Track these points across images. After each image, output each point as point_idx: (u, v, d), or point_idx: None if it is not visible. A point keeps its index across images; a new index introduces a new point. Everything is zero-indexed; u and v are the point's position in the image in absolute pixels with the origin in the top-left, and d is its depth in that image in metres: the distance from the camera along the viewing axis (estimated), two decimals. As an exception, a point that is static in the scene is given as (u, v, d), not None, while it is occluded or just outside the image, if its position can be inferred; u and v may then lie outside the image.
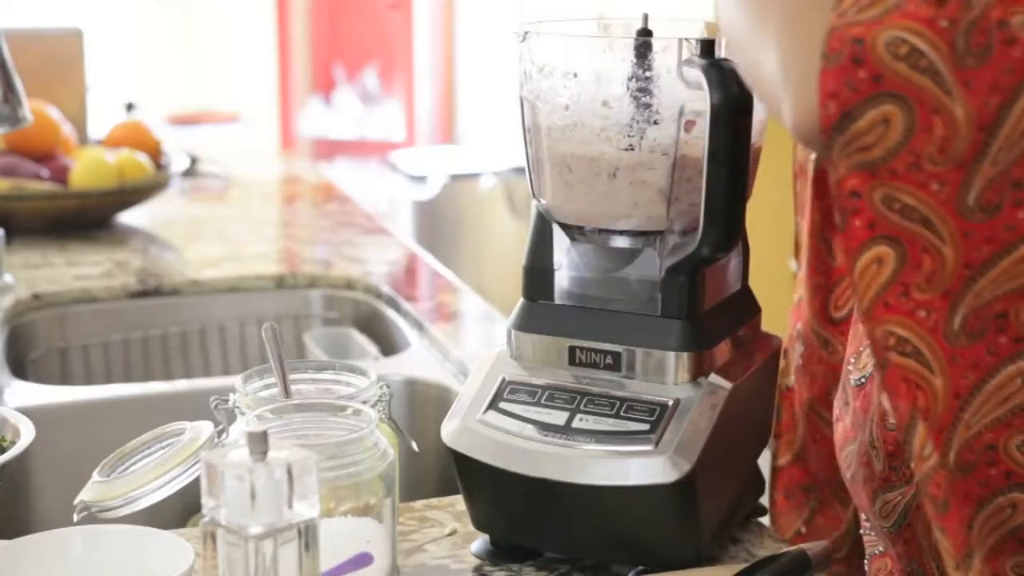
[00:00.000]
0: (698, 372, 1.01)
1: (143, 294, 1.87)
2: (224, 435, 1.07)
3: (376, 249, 2.13)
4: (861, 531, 1.20)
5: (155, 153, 2.36)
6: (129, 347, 1.86)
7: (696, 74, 0.96)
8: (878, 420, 1.10)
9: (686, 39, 0.98)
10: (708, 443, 0.98)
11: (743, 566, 1.00)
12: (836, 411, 1.21)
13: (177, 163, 2.39)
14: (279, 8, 5.52)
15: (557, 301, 1.07)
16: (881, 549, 1.15)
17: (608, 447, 0.99)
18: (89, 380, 1.82)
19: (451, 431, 1.05)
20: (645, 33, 1.00)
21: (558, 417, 1.02)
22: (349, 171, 5.16)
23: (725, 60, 0.96)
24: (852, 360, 1.16)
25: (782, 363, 1.33)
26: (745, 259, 1.10)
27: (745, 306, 1.11)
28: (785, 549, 1.05)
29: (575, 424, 1.01)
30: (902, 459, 1.08)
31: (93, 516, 1.04)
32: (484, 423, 1.04)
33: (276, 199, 2.65)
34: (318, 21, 5.55)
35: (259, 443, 0.80)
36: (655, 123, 0.98)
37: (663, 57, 0.98)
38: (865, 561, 1.18)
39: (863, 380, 1.13)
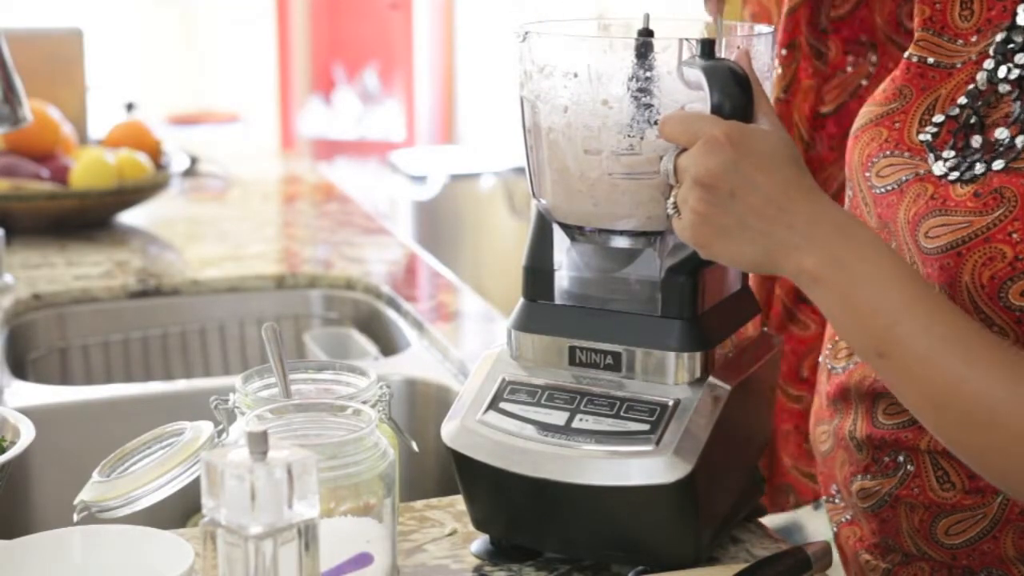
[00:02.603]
0: (698, 372, 1.01)
1: (143, 294, 1.87)
2: (224, 435, 1.07)
3: (376, 249, 2.13)
4: (825, 499, 1.23)
5: (155, 153, 2.36)
6: (129, 347, 1.86)
7: (696, 74, 0.96)
8: (865, 416, 1.12)
9: (686, 39, 0.98)
10: (708, 443, 0.98)
11: (743, 566, 1.00)
12: (817, 383, 1.23)
13: (177, 163, 2.39)
14: (279, 8, 5.52)
15: (557, 301, 1.07)
16: (848, 517, 1.18)
17: (608, 447, 0.99)
18: (89, 380, 1.82)
19: (451, 431, 1.05)
20: (646, 33, 1.00)
21: (558, 417, 1.02)
22: (349, 171, 5.16)
23: (725, 60, 0.96)
24: (830, 346, 1.19)
25: None
26: (745, 259, 1.10)
27: (745, 306, 1.11)
28: (785, 549, 1.05)
29: (575, 424, 1.01)
30: (887, 453, 1.10)
31: (93, 516, 1.04)
32: (484, 423, 1.04)
33: (276, 199, 2.65)
34: (318, 21, 5.55)
35: (259, 443, 0.80)
36: (655, 123, 0.98)
37: (663, 57, 0.98)
38: (833, 526, 1.21)
39: (840, 371, 1.16)
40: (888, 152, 1.09)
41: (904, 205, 1.05)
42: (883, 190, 1.07)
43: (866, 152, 1.10)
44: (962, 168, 1.03)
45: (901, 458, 1.09)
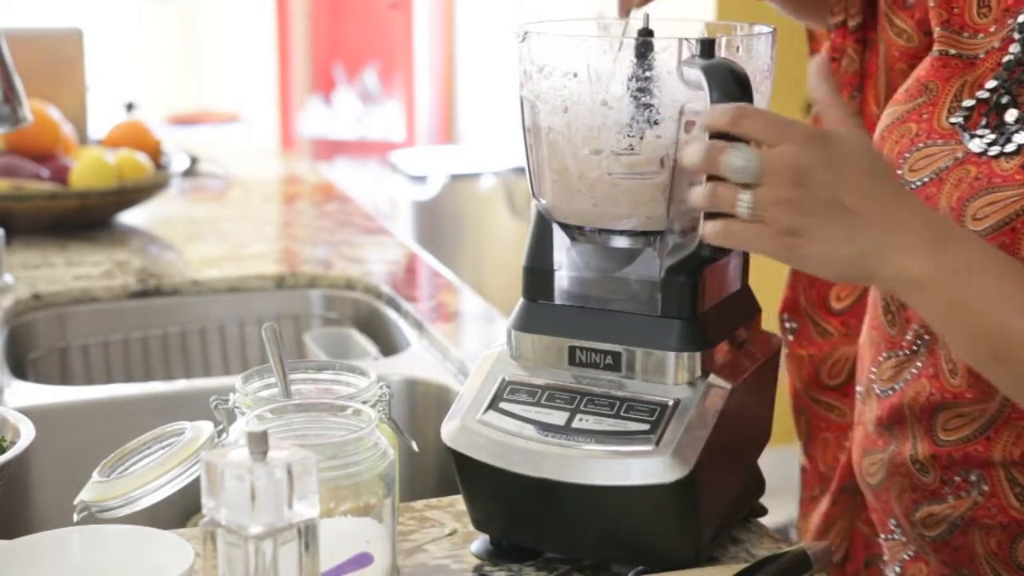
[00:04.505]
0: (698, 372, 1.01)
1: (143, 294, 1.87)
2: (224, 435, 1.07)
3: (376, 249, 2.13)
4: (882, 536, 1.16)
5: (155, 153, 2.36)
6: (129, 347, 1.86)
7: (696, 74, 0.96)
8: (924, 436, 1.06)
9: (686, 39, 0.98)
10: (708, 443, 0.98)
11: (743, 566, 1.00)
12: (856, 413, 1.17)
13: (177, 163, 2.39)
14: (279, 8, 5.52)
15: (557, 301, 1.07)
16: (912, 553, 1.11)
17: (608, 447, 0.99)
18: (89, 380, 1.82)
19: (451, 431, 1.05)
20: (646, 33, 1.00)
21: (558, 417, 1.02)
22: (349, 171, 5.16)
23: (725, 60, 0.96)
24: (874, 369, 1.13)
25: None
26: (745, 259, 1.10)
27: (745, 306, 1.10)
28: (785, 549, 1.05)
29: (575, 424, 1.01)
30: (957, 472, 1.04)
31: (93, 516, 1.04)
32: (484, 423, 1.04)
33: (276, 199, 2.65)
34: (318, 21, 5.55)
35: (259, 443, 0.80)
36: (655, 123, 0.98)
37: (663, 57, 0.98)
38: (896, 566, 1.14)
39: (890, 392, 1.10)
40: (920, 145, 1.05)
41: (945, 192, 1.01)
42: (919, 183, 1.04)
43: (896, 150, 1.07)
44: (1000, 141, 0.99)
45: (973, 477, 1.03)
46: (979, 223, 0.97)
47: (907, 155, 1.06)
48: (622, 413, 1.00)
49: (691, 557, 1.02)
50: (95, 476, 1.07)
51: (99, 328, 1.85)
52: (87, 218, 2.19)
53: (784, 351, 1.31)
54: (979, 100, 1.03)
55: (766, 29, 1.05)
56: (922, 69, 1.10)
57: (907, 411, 1.08)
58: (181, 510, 1.39)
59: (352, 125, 5.51)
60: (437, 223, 4.42)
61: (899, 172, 1.06)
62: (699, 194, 0.93)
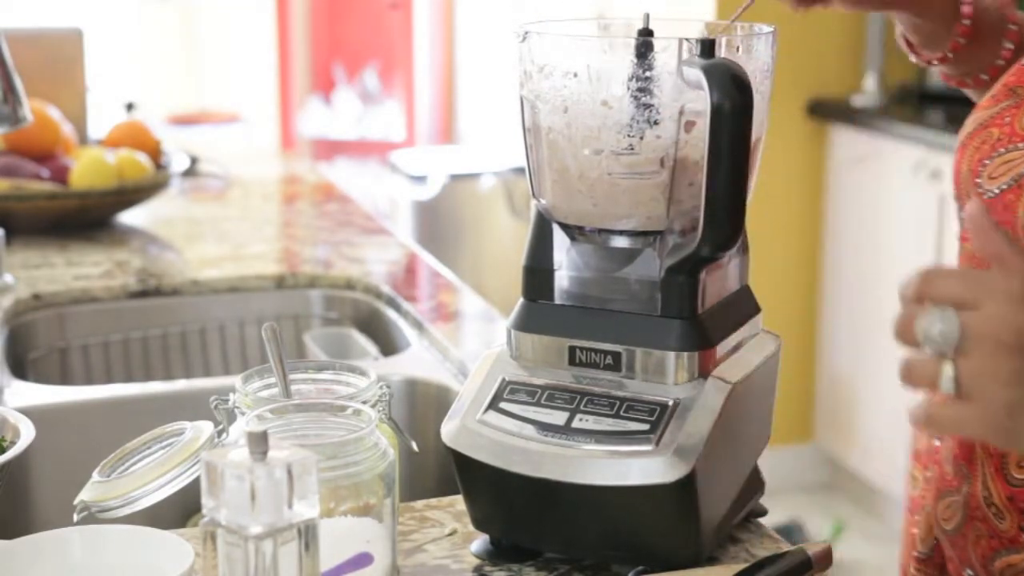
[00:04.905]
0: (698, 372, 1.01)
1: (143, 294, 1.87)
2: (224, 435, 1.07)
3: (376, 249, 2.13)
4: None
5: (155, 153, 2.36)
6: (129, 347, 1.86)
7: (696, 74, 0.96)
8: (995, 473, 0.99)
9: (686, 39, 0.98)
10: (708, 443, 0.98)
11: (743, 566, 1.00)
12: (936, 452, 1.09)
13: (177, 163, 2.39)
14: (279, 8, 5.52)
15: (557, 301, 1.07)
16: None
17: (608, 447, 0.99)
18: (89, 380, 1.82)
19: (451, 431, 1.05)
20: (646, 33, 1.00)
21: (558, 417, 1.02)
22: (349, 171, 5.16)
23: (725, 60, 0.96)
24: None
25: None
26: (745, 259, 1.10)
27: (745, 306, 1.11)
28: (785, 549, 1.05)
29: (575, 424, 1.01)
30: None
31: (93, 516, 1.04)
32: (484, 423, 1.04)
33: (276, 199, 2.65)
34: (318, 21, 5.55)
35: (259, 443, 0.81)
36: (655, 123, 0.98)
37: (663, 57, 0.98)
38: None
39: None
40: (1001, 150, 1.00)
41: None
42: (996, 191, 0.98)
43: (976, 157, 1.02)
44: None
45: None
46: None
47: (987, 162, 1.00)
48: (622, 413, 1.00)
49: (691, 557, 1.02)
50: (95, 476, 1.07)
51: (99, 328, 1.84)
52: (87, 218, 2.19)
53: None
54: None
55: (766, 29, 1.05)
56: (1011, 75, 1.05)
57: (977, 445, 1.00)
58: (181, 510, 1.39)
59: (352, 125, 5.51)
60: (437, 223, 4.42)
61: (978, 180, 0.99)
62: (900, 368, 0.79)
